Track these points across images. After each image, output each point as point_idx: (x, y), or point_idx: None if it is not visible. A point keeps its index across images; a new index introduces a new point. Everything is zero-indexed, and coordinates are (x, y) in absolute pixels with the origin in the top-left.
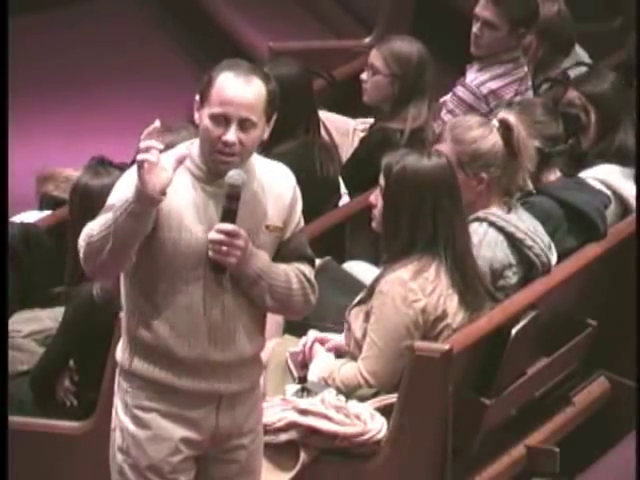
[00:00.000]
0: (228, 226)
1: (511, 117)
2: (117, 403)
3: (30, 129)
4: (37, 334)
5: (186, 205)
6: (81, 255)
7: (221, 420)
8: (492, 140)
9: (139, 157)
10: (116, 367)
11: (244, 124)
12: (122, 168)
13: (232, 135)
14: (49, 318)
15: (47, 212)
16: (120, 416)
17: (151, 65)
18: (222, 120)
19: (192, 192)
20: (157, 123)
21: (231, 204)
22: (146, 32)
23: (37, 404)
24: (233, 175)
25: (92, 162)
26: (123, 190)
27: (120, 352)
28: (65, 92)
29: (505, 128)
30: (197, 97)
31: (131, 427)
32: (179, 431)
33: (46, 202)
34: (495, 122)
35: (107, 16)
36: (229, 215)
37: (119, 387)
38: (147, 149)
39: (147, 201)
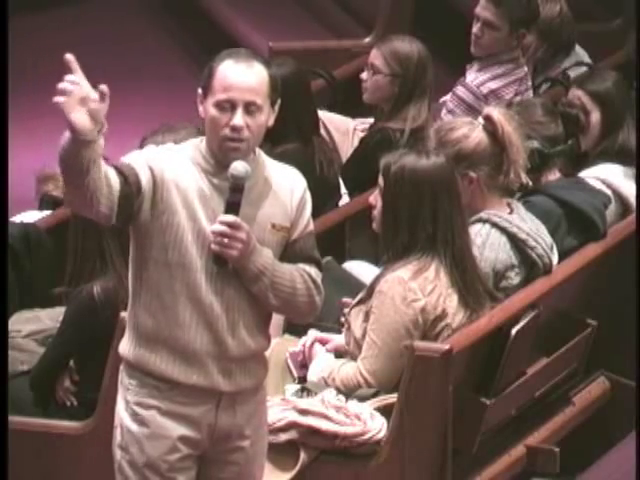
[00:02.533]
0: (230, 217)
1: (495, 112)
2: (118, 400)
3: (30, 129)
4: (37, 334)
5: (194, 196)
6: None
7: (220, 419)
8: (476, 139)
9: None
10: (117, 366)
11: (250, 108)
12: None
13: (239, 119)
14: (49, 318)
15: (47, 212)
16: (120, 413)
17: (151, 65)
18: (228, 106)
19: (200, 183)
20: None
21: (234, 196)
22: (146, 32)
23: (37, 404)
24: (237, 166)
25: None
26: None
27: (123, 344)
28: None
29: (489, 124)
30: (200, 91)
31: (130, 424)
32: (178, 429)
33: (46, 202)
34: (480, 119)
35: (107, 16)
36: (232, 207)
37: (121, 384)
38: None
39: (80, 141)
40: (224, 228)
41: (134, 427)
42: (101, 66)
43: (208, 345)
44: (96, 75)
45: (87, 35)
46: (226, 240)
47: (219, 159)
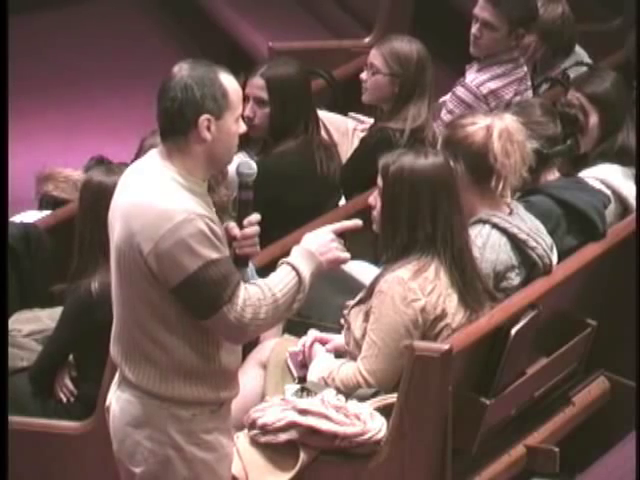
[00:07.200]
0: (257, 216)
1: (499, 125)
2: (172, 437)
3: (30, 129)
4: (37, 334)
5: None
6: (247, 330)
7: None
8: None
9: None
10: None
11: None
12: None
13: (244, 125)
14: (49, 318)
15: (47, 212)
16: (182, 447)
17: (151, 65)
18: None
19: (201, 200)
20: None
21: (248, 194)
22: (146, 32)
23: (36, 397)
24: (250, 164)
25: (91, 162)
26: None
27: (167, 388)
28: (65, 92)
29: (487, 134)
30: (207, 116)
31: (200, 453)
32: (231, 444)
33: (46, 202)
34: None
35: (107, 16)
36: (249, 205)
37: (173, 419)
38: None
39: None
40: (257, 228)
41: (205, 455)
42: (101, 66)
43: (240, 358)
44: (96, 75)
45: (87, 36)
46: (257, 239)
47: (203, 176)
